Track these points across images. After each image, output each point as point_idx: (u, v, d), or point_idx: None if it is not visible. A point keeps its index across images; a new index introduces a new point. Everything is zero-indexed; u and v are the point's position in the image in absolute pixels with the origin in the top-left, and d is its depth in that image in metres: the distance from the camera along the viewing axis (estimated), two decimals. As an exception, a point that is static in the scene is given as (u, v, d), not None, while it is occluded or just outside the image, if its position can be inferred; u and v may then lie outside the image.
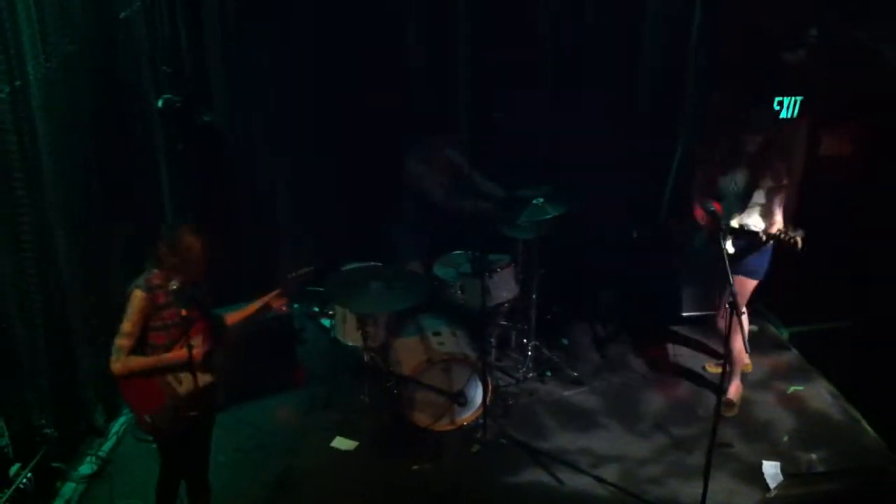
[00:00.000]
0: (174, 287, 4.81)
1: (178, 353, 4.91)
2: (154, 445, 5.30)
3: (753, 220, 6.25)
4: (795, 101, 7.30)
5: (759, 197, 6.23)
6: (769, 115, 6.74)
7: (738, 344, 6.06)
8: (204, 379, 4.98)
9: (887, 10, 6.78)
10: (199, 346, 4.93)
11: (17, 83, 5.25)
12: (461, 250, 7.24)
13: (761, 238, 6.02)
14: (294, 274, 5.35)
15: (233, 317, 5.36)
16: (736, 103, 7.12)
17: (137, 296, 4.85)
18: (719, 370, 6.30)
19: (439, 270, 7.15)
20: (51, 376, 5.82)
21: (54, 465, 5.96)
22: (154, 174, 7.09)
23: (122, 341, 4.84)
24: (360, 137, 7.67)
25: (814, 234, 5.94)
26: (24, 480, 5.60)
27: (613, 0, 7.68)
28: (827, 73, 7.24)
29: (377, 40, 7.53)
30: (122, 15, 6.43)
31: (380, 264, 6.91)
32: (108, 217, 6.27)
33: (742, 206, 6.27)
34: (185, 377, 4.95)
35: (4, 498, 5.46)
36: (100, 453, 6.37)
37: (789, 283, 6.55)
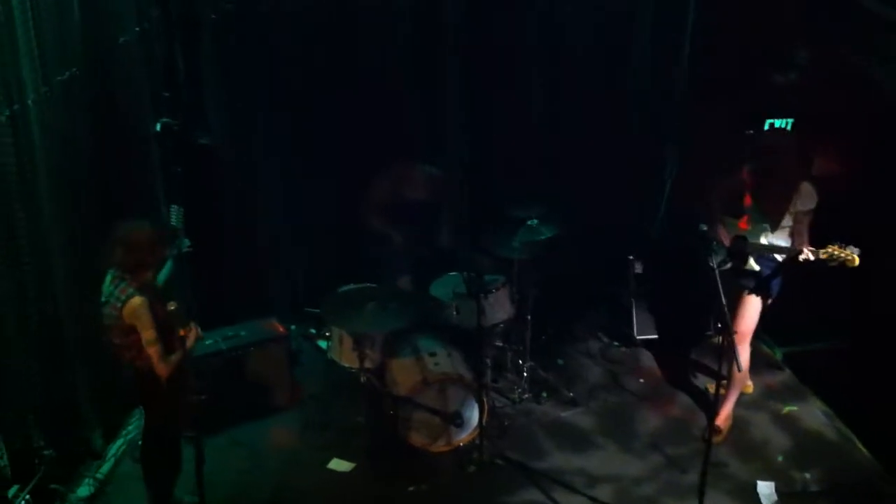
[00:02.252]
0: (172, 308, 4.93)
1: (191, 338, 5.35)
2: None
3: (781, 240, 6.25)
4: (787, 124, 7.37)
5: (786, 220, 6.24)
6: (786, 137, 6.70)
7: (736, 368, 6.10)
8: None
9: (877, 30, 6.86)
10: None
11: (16, 107, 5.29)
12: (456, 271, 7.28)
13: (806, 258, 5.94)
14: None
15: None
16: (735, 124, 7.18)
17: (139, 303, 5.02)
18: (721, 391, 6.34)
19: (435, 291, 7.19)
20: (50, 398, 5.85)
21: (52, 486, 5.96)
22: (150, 196, 7.12)
23: (156, 348, 5.09)
24: (354, 158, 7.75)
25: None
26: (22, 502, 5.61)
27: (603, 20, 7.79)
28: (817, 93, 7.31)
29: (371, 65, 7.63)
30: (121, 40, 6.48)
31: (374, 285, 6.96)
32: (104, 238, 6.30)
33: (772, 226, 6.27)
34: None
35: (4, 520, 5.50)
36: (97, 475, 6.37)
37: (782, 303, 6.59)
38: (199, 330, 5.50)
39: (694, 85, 7.76)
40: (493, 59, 7.80)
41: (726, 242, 6.35)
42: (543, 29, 7.79)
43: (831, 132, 7.24)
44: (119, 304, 5.03)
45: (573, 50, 7.88)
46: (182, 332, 5.19)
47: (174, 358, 5.19)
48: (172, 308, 5.04)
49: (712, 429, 5.95)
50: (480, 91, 7.84)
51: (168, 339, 5.19)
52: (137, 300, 5.00)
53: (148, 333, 5.04)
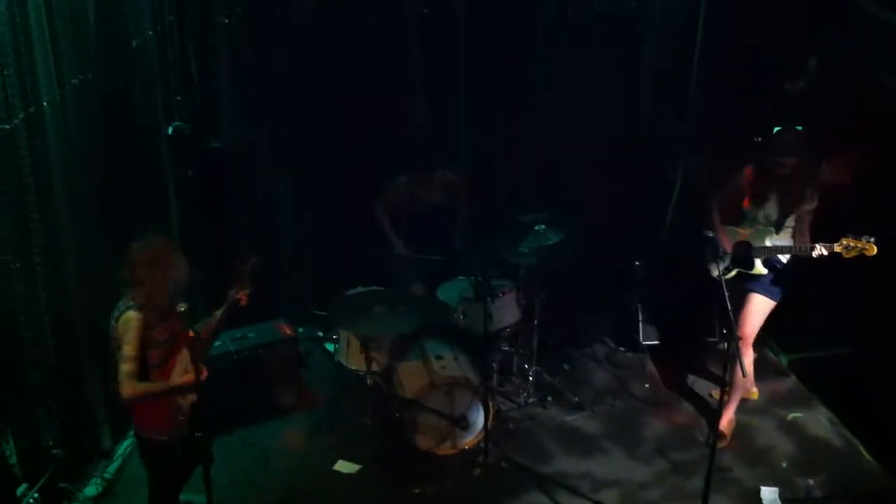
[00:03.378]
0: (182, 309, 4.89)
1: (186, 378, 5.01)
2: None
3: (785, 241, 6.32)
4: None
5: (790, 221, 6.30)
6: (797, 137, 6.75)
7: (739, 373, 6.11)
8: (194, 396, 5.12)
9: (884, 36, 6.88)
10: (188, 361, 4.97)
11: (32, 109, 5.34)
12: (464, 275, 7.32)
13: (820, 254, 6.02)
14: (245, 266, 5.28)
15: (205, 329, 5.38)
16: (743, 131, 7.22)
17: (133, 318, 4.86)
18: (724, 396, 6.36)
19: (442, 294, 7.23)
20: (60, 397, 5.88)
21: (61, 485, 6.00)
22: (164, 199, 7.18)
23: (128, 366, 4.84)
24: (364, 163, 7.80)
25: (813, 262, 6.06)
26: (31, 501, 5.66)
27: (613, 23, 7.86)
28: (826, 100, 7.33)
29: (380, 70, 7.70)
30: (135, 44, 6.53)
31: (382, 289, 7.00)
32: (118, 241, 6.35)
33: (777, 227, 6.33)
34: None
35: (13, 519, 5.53)
36: (105, 475, 6.41)
37: (788, 310, 6.61)
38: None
39: (703, 91, 7.79)
40: (501, 65, 7.87)
41: (729, 248, 6.39)
42: (550, 34, 7.86)
43: (840, 136, 7.26)
44: (116, 316, 4.93)
45: (581, 55, 7.92)
46: (191, 334, 5.12)
47: (144, 388, 4.91)
48: (182, 309, 4.98)
49: (716, 434, 5.98)
50: (487, 96, 7.88)
51: (165, 365, 5.01)
52: (132, 314, 4.85)
53: (127, 348, 4.84)
